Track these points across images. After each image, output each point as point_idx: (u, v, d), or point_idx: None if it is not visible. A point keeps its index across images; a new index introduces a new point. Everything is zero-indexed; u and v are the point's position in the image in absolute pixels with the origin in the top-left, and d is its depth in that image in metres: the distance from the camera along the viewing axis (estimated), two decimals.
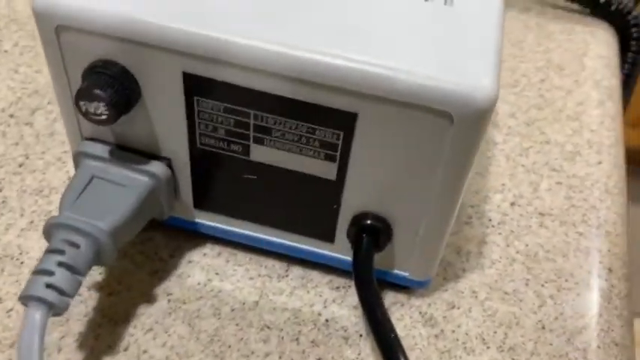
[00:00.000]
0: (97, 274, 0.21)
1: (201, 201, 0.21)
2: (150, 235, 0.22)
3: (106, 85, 0.17)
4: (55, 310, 0.17)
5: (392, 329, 0.18)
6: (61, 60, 0.18)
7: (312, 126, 0.17)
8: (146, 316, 0.20)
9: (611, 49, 0.35)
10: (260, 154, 0.19)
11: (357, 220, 0.19)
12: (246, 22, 0.17)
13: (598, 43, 0.35)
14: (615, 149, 0.29)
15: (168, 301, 0.21)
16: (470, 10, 0.18)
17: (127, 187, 0.19)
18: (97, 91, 0.17)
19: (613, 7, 0.36)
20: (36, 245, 0.22)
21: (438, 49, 0.16)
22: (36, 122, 0.27)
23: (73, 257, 0.17)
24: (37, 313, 0.16)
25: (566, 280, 0.23)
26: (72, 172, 0.25)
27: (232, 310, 0.21)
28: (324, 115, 0.17)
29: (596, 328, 0.22)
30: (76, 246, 0.17)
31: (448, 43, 0.17)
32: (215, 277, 0.22)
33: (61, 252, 0.17)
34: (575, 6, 0.38)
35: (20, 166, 0.25)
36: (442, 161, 0.17)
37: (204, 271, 0.22)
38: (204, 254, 0.22)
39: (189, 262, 0.22)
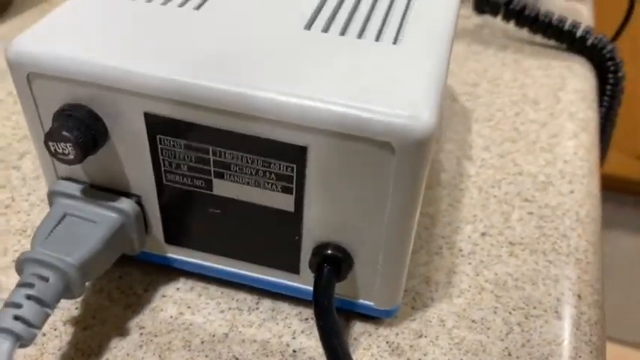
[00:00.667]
0: (73, 308, 0.22)
1: (172, 236, 0.22)
2: (126, 270, 0.23)
3: (73, 127, 0.18)
4: (22, 341, 0.17)
5: (348, 355, 0.18)
6: (33, 104, 0.19)
7: (267, 160, 0.18)
8: (118, 349, 0.21)
9: (587, 82, 0.36)
10: (222, 188, 0.19)
11: (318, 251, 0.20)
12: (202, 66, 0.18)
13: (574, 77, 0.36)
14: (588, 179, 0.29)
15: (141, 334, 0.21)
16: (415, 48, 0.19)
17: (97, 223, 0.20)
18: (64, 133, 0.18)
19: (589, 42, 0.37)
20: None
21: (382, 85, 0.17)
22: (24, 166, 0.28)
23: (42, 290, 0.18)
24: (5, 344, 0.17)
25: (535, 308, 0.23)
26: None
27: (202, 342, 0.21)
28: (276, 149, 0.18)
29: (563, 354, 0.22)
30: (45, 279, 0.18)
31: (392, 79, 0.18)
32: (187, 310, 0.22)
33: (31, 285, 0.18)
34: (552, 42, 0.39)
35: (6, 207, 0.26)
36: (389, 190, 0.18)
37: (176, 304, 0.22)
38: (178, 288, 0.23)
39: (163, 296, 0.23)
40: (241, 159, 0.18)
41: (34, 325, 0.18)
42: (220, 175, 0.19)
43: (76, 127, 0.18)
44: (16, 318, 0.17)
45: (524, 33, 0.39)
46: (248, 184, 0.19)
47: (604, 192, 0.31)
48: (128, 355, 0.21)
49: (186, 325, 0.22)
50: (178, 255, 0.22)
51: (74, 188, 0.20)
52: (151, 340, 0.21)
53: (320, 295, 0.19)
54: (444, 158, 0.30)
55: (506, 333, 0.22)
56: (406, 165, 0.17)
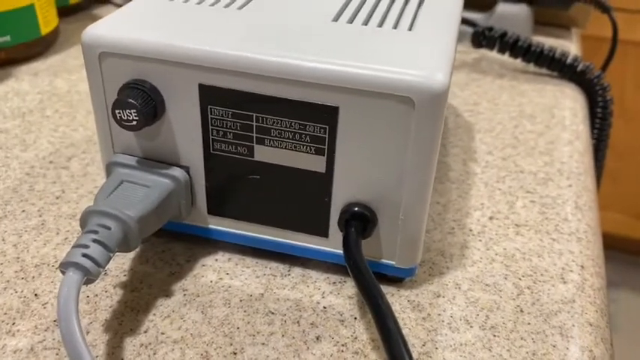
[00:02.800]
0: (122, 275, 0.24)
1: (214, 206, 0.24)
2: (169, 245, 0.26)
3: (138, 96, 0.21)
4: (89, 275, 0.19)
5: (381, 295, 0.20)
6: (101, 81, 0.22)
7: (303, 122, 0.21)
8: (164, 307, 0.23)
9: (578, 102, 0.40)
10: (262, 154, 0.22)
11: (346, 209, 0.22)
12: (248, 42, 0.21)
13: (566, 97, 0.40)
14: (584, 177, 0.32)
15: (184, 295, 0.24)
16: (428, 33, 0.22)
17: (151, 187, 0.22)
18: (131, 100, 0.21)
19: (578, 69, 0.41)
20: None
21: (402, 55, 0.21)
22: (71, 166, 0.31)
23: (105, 236, 0.20)
24: (75, 275, 0.19)
25: (542, 275, 0.25)
26: None
27: (241, 300, 0.23)
28: (311, 111, 0.21)
29: (570, 311, 0.24)
30: (108, 228, 0.21)
31: (410, 51, 0.21)
32: (225, 276, 0.24)
33: (95, 232, 0.20)
34: (544, 70, 0.43)
35: (57, 198, 0.28)
36: (410, 144, 0.20)
37: (215, 272, 0.25)
38: (216, 259, 0.25)
39: (203, 265, 0.25)
40: (280, 123, 0.21)
41: (99, 264, 0.20)
42: (261, 141, 0.22)
43: (140, 97, 0.21)
44: (84, 255, 0.20)
45: (519, 63, 0.43)
46: (285, 147, 0.22)
47: (607, 251, 0.33)
48: (173, 311, 0.23)
49: (225, 287, 0.24)
50: (218, 226, 0.25)
51: (130, 159, 0.23)
52: (194, 300, 0.23)
53: (351, 248, 0.22)
54: (451, 161, 0.33)
55: (517, 294, 0.24)
56: (425, 117, 0.20)
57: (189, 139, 0.23)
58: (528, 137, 0.35)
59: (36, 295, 0.23)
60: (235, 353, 0.21)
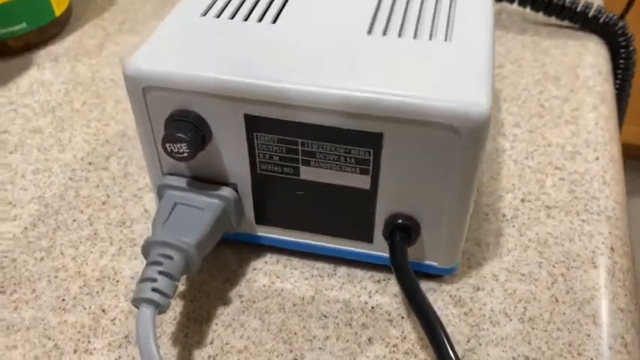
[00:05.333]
0: (180, 285, 0.26)
1: (261, 217, 0.25)
2: (221, 251, 0.27)
3: (186, 129, 0.22)
4: (160, 308, 0.21)
5: (429, 306, 0.22)
6: (146, 113, 0.23)
7: (348, 147, 0.22)
8: (224, 315, 0.25)
9: (601, 57, 0.40)
10: (307, 173, 0.23)
11: (391, 221, 0.24)
12: (290, 71, 0.21)
13: (589, 54, 0.39)
14: (610, 146, 0.33)
15: (241, 302, 0.25)
16: (465, 44, 0.22)
17: (204, 209, 0.24)
18: (180, 135, 0.22)
19: (601, 20, 0.41)
20: (126, 267, 0.27)
21: (443, 78, 0.21)
22: (111, 167, 0.32)
23: (169, 267, 0.22)
24: (148, 311, 0.21)
25: (574, 260, 0.27)
26: (147, 205, 0.29)
27: (294, 304, 0.25)
28: (356, 138, 0.21)
29: (602, 297, 0.25)
30: (170, 258, 0.22)
31: (450, 72, 0.21)
32: (277, 279, 0.26)
33: (160, 263, 0.22)
34: (567, 22, 0.42)
35: (103, 204, 0.30)
36: (454, 166, 0.21)
37: (267, 275, 0.26)
38: (266, 262, 0.27)
39: (254, 269, 0.26)
40: (325, 148, 0.22)
41: (168, 295, 0.21)
42: (307, 163, 0.23)
43: (188, 130, 0.22)
44: (154, 290, 0.21)
45: (541, 16, 0.43)
46: (330, 168, 0.23)
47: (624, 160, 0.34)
48: (234, 319, 0.25)
49: (278, 291, 0.26)
50: (266, 233, 0.26)
51: (180, 181, 0.24)
52: (251, 306, 0.25)
53: (397, 259, 0.23)
54: None
55: (552, 283, 0.26)
56: (469, 144, 0.20)
57: (237, 160, 0.23)
58: (554, 104, 0.35)
59: (103, 310, 0.25)
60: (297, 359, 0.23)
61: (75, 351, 0.24)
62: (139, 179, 0.31)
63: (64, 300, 0.25)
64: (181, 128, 0.22)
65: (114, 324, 0.25)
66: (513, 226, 0.28)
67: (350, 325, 0.24)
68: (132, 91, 0.22)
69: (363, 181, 0.23)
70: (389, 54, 0.22)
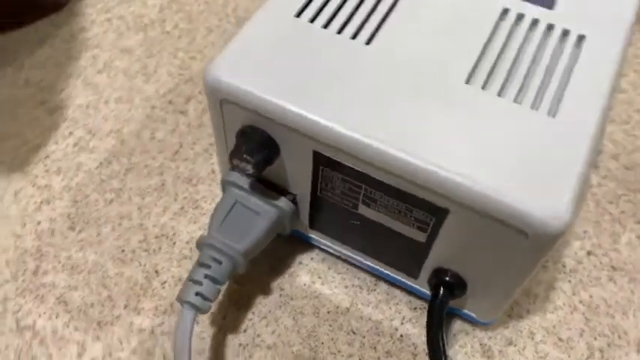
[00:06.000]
0: None
1: (315, 226, 0.26)
2: None
3: (253, 150, 0.22)
4: (200, 312, 0.23)
5: None
6: (221, 120, 0.22)
7: (411, 207, 0.21)
8: (262, 305, 0.26)
9: None
10: (365, 211, 0.23)
11: (438, 274, 0.23)
12: (366, 124, 0.20)
13: None
14: None
15: (280, 295, 0.26)
16: (571, 125, 0.20)
17: (261, 214, 0.24)
18: (246, 156, 0.21)
19: None
20: (184, 229, 0.28)
21: (529, 166, 0.19)
22: (189, 111, 0.32)
23: (216, 271, 0.23)
24: (190, 315, 0.22)
25: (619, 337, 0.26)
26: (216, 165, 0.30)
27: (328, 312, 0.26)
28: (421, 204, 0.21)
29: None
30: (219, 262, 0.23)
31: (540, 160, 0.19)
32: (318, 280, 0.27)
33: (208, 266, 0.23)
34: None
35: (175, 153, 0.30)
36: (516, 259, 0.20)
37: (310, 273, 0.27)
38: (312, 258, 0.27)
39: (300, 263, 0.27)
40: (388, 200, 0.21)
41: (209, 299, 0.23)
42: (366, 204, 0.22)
43: (255, 150, 0.22)
44: (197, 294, 0.22)
45: None
46: (389, 215, 0.22)
47: None
48: (270, 312, 0.26)
49: (316, 294, 0.26)
50: (318, 237, 0.26)
51: (244, 181, 0.24)
52: (288, 302, 0.26)
53: (434, 313, 0.23)
54: None
55: (587, 357, 0.25)
56: (536, 248, 0.19)
57: (300, 179, 0.23)
58: None
59: (156, 272, 0.27)
60: None
61: (125, 306, 0.26)
62: (212, 133, 0.31)
63: (123, 251, 0.27)
64: (249, 149, 0.21)
65: (163, 288, 0.27)
66: (569, 281, 0.27)
67: (375, 348, 0.25)
68: (211, 101, 0.22)
69: (419, 235, 0.22)
70: (481, 116, 0.20)
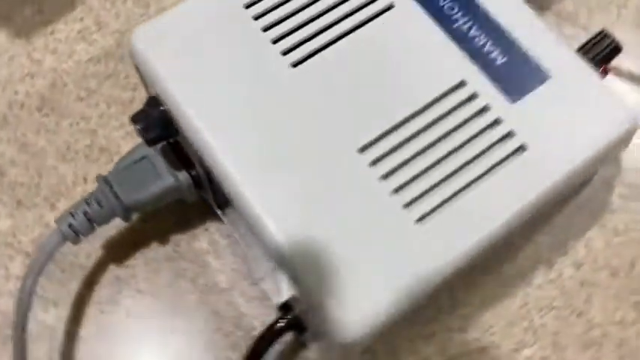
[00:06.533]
0: None
1: (221, 206, 0.26)
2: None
3: (148, 123, 0.22)
4: (70, 241, 0.24)
5: None
6: (142, 80, 0.22)
7: None
8: (153, 252, 0.27)
9: None
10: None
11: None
12: (232, 143, 0.19)
13: None
14: None
15: (173, 250, 0.27)
16: (433, 238, 0.18)
17: (160, 179, 0.24)
18: (139, 127, 0.22)
19: None
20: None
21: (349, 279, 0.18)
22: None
23: (95, 212, 0.24)
24: (54, 238, 0.24)
25: None
26: None
27: (205, 285, 0.27)
28: None
29: None
30: (101, 206, 0.24)
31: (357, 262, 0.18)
32: (212, 252, 0.27)
33: (90, 205, 0.24)
34: None
35: None
36: None
37: (209, 242, 0.28)
38: (219, 230, 0.28)
39: (206, 230, 0.28)
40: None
41: (81, 234, 0.24)
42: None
43: (150, 124, 0.22)
44: (70, 225, 0.24)
45: None
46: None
47: None
48: (156, 261, 0.27)
49: (204, 263, 0.27)
50: (223, 217, 0.27)
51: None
52: (176, 260, 0.27)
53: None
54: None
55: None
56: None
57: (197, 162, 0.23)
58: None
59: (84, 179, 0.29)
60: None
61: (45, 199, 0.28)
62: None
63: (68, 148, 0.29)
64: (143, 119, 0.22)
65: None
66: None
67: (227, 336, 0.26)
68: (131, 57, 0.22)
69: None
70: (348, 193, 0.19)
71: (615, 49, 0.25)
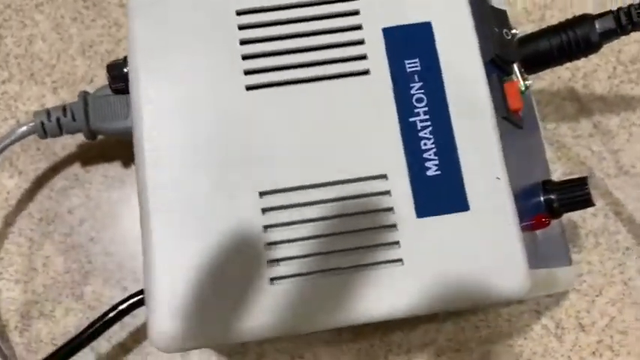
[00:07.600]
0: None
1: None
2: None
3: (116, 77, 0.24)
4: (37, 134, 0.27)
5: None
6: None
7: None
8: (94, 186, 0.30)
9: None
10: None
11: None
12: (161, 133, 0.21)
13: None
14: None
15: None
16: None
17: (125, 119, 0.26)
18: (107, 74, 0.24)
19: None
20: None
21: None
22: None
23: (67, 122, 0.27)
24: (25, 128, 0.27)
25: None
26: None
27: None
28: None
29: None
30: (75, 119, 0.27)
31: None
32: None
33: (65, 114, 0.27)
34: None
35: None
36: None
37: None
38: None
39: None
40: None
41: (49, 134, 0.27)
42: None
43: (117, 78, 0.24)
44: (42, 124, 0.27)
45: None
46: None
47: None
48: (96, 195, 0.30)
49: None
50: None
51: None
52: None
53: None
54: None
55: None
56: None
57: None
58: None
59: (91, 45, 0.31)
60: None
61: (32, 77, 0.31)
62: None
63: (64, 19, 0.32)
64: (116, 68, 0.24)
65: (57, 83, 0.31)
66: None
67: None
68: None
69: None
70: None
71: (586, 202, 0.24)
